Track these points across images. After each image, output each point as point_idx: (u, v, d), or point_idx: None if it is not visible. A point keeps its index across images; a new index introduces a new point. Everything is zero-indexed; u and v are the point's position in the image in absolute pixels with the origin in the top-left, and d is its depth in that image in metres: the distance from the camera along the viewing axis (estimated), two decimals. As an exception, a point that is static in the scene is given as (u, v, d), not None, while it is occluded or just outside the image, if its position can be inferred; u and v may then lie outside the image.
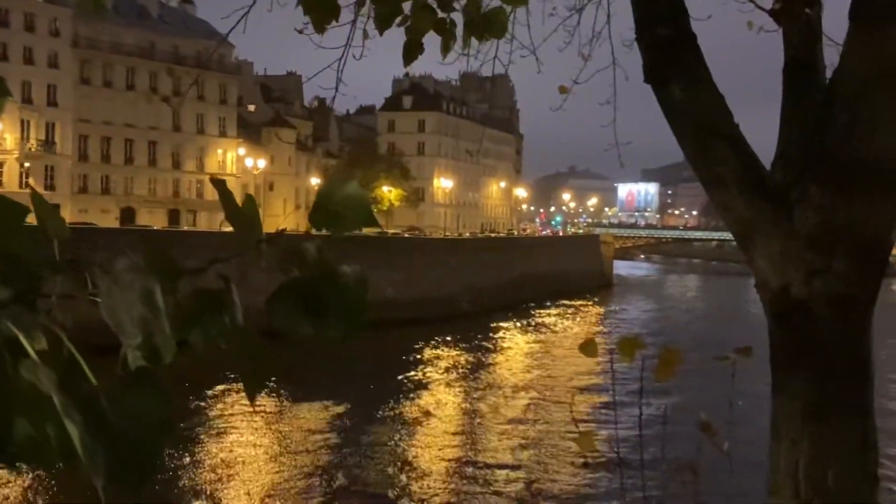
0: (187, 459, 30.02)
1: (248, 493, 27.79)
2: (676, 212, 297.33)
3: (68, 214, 73.60)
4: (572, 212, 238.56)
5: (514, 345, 63.71)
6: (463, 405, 42.30)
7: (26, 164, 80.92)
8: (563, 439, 32.44)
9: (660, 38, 3.60)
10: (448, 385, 47.35)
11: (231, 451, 32.14)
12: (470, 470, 30.67)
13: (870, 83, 3.26)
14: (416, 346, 57.81)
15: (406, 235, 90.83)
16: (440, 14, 3.00)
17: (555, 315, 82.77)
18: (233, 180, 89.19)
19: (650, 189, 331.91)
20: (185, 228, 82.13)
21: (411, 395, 43.77)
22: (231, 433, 34.62)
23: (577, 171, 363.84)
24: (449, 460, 31.99)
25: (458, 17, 3.04)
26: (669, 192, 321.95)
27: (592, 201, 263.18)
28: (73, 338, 1.02)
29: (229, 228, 1.10)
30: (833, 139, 3.31)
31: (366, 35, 4.23)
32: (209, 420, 36.36)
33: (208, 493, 27.59)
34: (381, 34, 3.02)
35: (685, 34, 3.62)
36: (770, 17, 3.70)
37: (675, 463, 3.21)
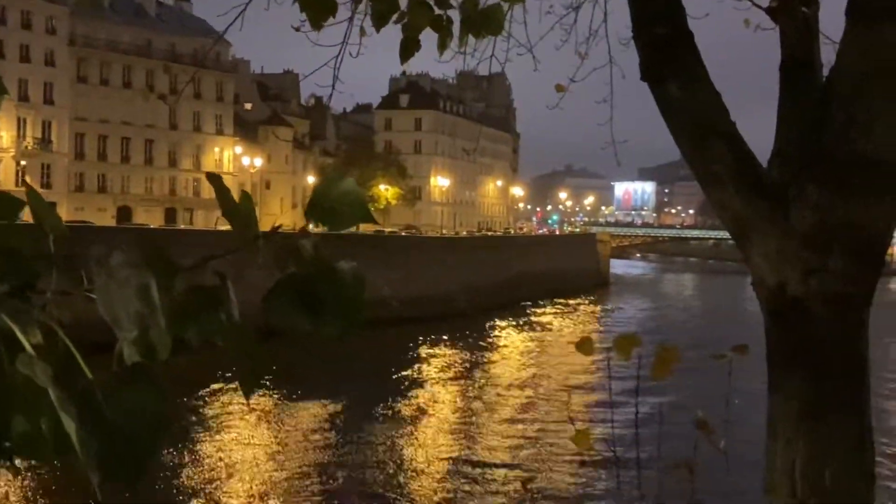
0: (184, 458, 29.99)
1: (246, 493, 27.77)
2: (673, 210, 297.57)
3: (65, 213, 73.52)
4: (569, 210, 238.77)
5: (511, 343, 63.73)
6: (460, 403, 42.32)
7: (22, 163, 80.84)
8: (559, 437, 32.44)
9: (656, 37, 3.60)
10: (445, 383, 47.36)
11: (228, 450, 32.13)
12: (466, 468, 30.68)
13: (866, 81, 3.26)
14: (413, 345, 57.82)
15: (403, 234, 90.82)
16: (437, 11, 3.00)
17: (551, 314, 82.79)
18: (229, 178, 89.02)
19: (647, 188, 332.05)
20: (182, 227, 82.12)
21: (408, 393, 43.77)
22: (228, 432, 34.61)
23: (573, 170, 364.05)
24: (445, 458, 31.99)
25: (455, 15, 3.04)
26: (666, 190, 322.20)
27: (589, 200, 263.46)
28: (71, 335, 1.01)
29: (225, 227, 1.09)
30: (830, 137, 3.31)
31: (363, 32, 4.23)
32: (207, 419, 36.34)
33: (206, 492, 27.58)
34: (377, 31, 3.02)
35: (682, 32, 3.62)
36: (767, 16, 3.71)
37: (671, 461, 3.21)
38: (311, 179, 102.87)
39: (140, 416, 0.98)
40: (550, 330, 71.74)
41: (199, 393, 38.96)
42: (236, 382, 1.14)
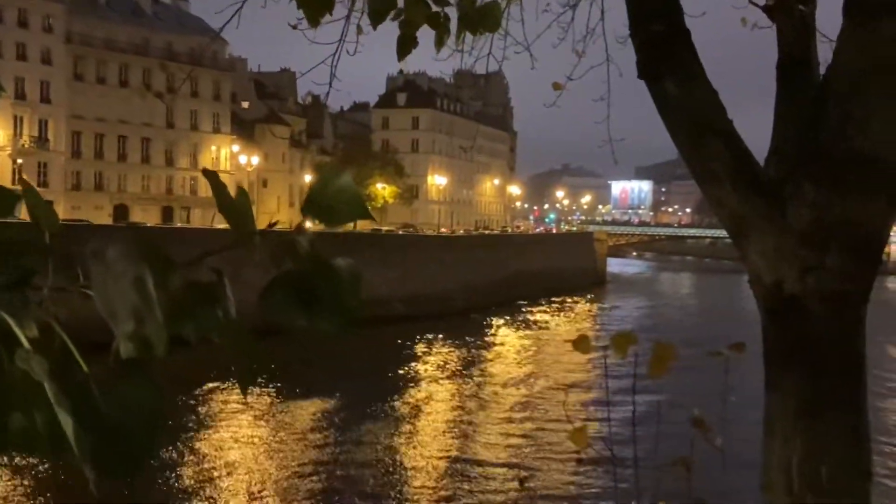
0: (181, 457, 29.99)
1: (243, 491, 27.77)
2: (670, 209, 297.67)
3: (61, 211, 73.43)
4: (566, 209, 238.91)
5: (508, 341, 63.73)
6: (457, 402, 42.31)
7: (19, 161, 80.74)
8: (556, 435, 32.47)
9: (654, 35, 3.60)
10: (442, 382, 47.36)
11: (225, 448, 32.11)
12: (464, 466, 30.68)
13: (863, 78, 3.26)
14: (411, 344, 57.83)
15: (400, 233, 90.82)
16: (434, 8, 3.00)
17: (548, 312, 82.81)
18: (226, 177, 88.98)
19: (644, 186, 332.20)
20: (179, 225, 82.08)
21: (405, 392, 43.78)
22: (225, 430, 34.60)
23: (570, 169, 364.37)
24: (443, 457, 32.00)
25: (452, 12, 3.04)
26: (663, 189, 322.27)
27: (586, 199, 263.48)
28: (68, 333, 1.01)
29: (222, 225, 1.09)
30: (827, 135, 3.31)
31: (360, 30, 4.23)
32: (204, 417, 36.33)
33: (204, 490, 27.56)
34: (374, 28, 3.02)
35: (679, 30, 3.62)
36: (764, 14, 3.71)
37: (669, 459, 3.21)
38: (307, 178, 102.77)
39: (137, 412, 0.98)
40: (547, 328, 71.74)
41: (196, 391, 38.96)
42: (233, 380, 1.15)
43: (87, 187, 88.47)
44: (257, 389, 39.43)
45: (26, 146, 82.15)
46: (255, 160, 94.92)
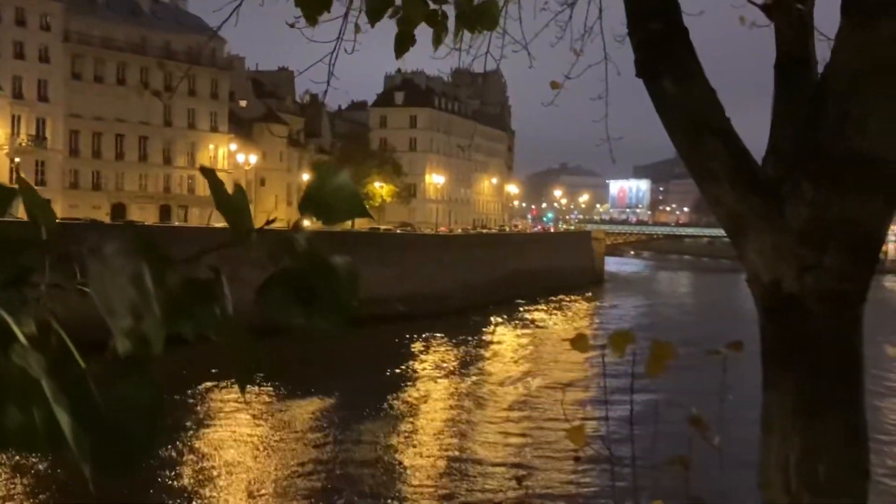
0: (180, 456, 29.99)
1: (242, 490, 27.77)
2: (668, 208, 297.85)
3: (59, 210, 73.36)
4: (564, 208, 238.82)
5: (506, 340, 63.78)
6: (455, 401, 42.33)
7: (17, 160, 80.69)
8: (554, 434, 32.48)
9: (652, 33, 3.60)
10: (440, 381, 47.39)
11: (224, 448, 32.12)
12: (461, 465, 30.70)
13: (862, 78, 3.26)
14: (409, 343, 57.85)
15: (398, 232, 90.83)
16: (432, 6, 3.00)
17: (546, 311, 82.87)
18: (224, 175, 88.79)
19: (641, 186, 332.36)
20: (177, 224, 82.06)
21: (403, 391, 43.80)
22: (223, 429, 34.60)
23: (568, 168, 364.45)
24: (441, 455, 32.02)
25: (450, 10, 3.04)
26: (661, 188, 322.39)
27: (584, 198, 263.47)
28: (66, 331, 1.01)
29: (220, 223, 1.09)
30: (825, 134, 3.31)
31: (357, 29, 4.23)
32: (201, 416, 36.32)
33: (202, 489, 27.56)
34: (372, 26, 3.02)
35: (677, 29, 3.61)
36: (762, 13, 3.71)
37: (666, 457, 3.21)
38: (305, 177, 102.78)
39: (135, 410, 0.98)
40: (545, 327, 71.79)
41: (195, 390, 38.97)
42: (231, 379, 1.15)
43: (84, 186, 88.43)
44: (256, 388, 39.43)
45: (24, 145, 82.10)
46: (253, 159, 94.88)
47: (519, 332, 68.31)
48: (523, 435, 34.77)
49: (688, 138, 3.61)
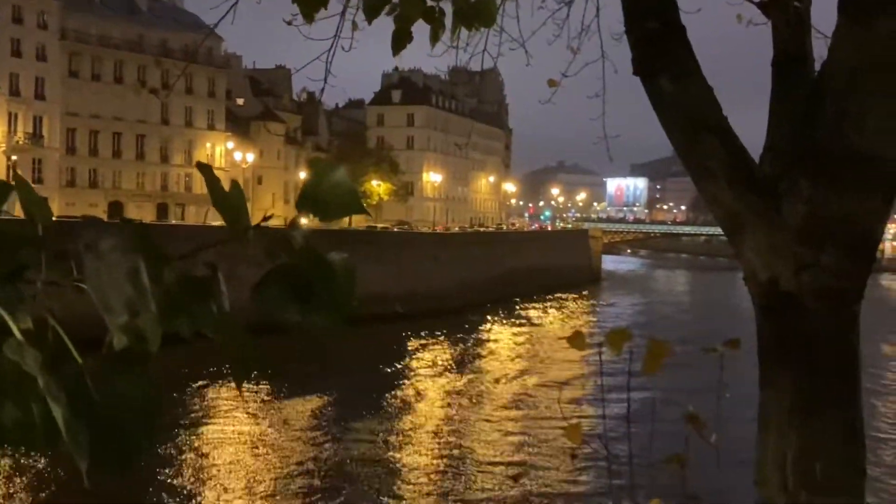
0: (176, 453, 29.97)
1: (239, 488, 27.75)
2: (665, 207, 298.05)
3: (56, 208, 72.82)
4: (561, 206, 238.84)
5: (503, 339, 63.79)
6: (452, 399, 42.33)
7: (13, 157, 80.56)
8: (551, 432, 32.50)
9: (649, 31, 3.59)
10: (437, 379, 47.39)
11: (220, 445, 32.10)
12: (458, 463, 30.71)
13: (859, 75, 3.26)
14: (406, 341, 57.83)
15: (395, 230, 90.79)
16: (429, 2, 3.00)
17: (543, 309, 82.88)
18: (221, 174, 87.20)
19: (639, 184, 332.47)
20: (174, 222, 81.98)
21: (400, 389, 43.80)
22: (221, 428, 34.58)
23: (565, 166, 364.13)
24: (437, 453, 32.03)
25: (447, 7, 3.03)
26: (658, 186, 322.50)
27: (581, 196, 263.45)
28: (62, 328, 1.01)
29: (216, 222, 1.09)
30: (822, 132, 3.30)
31: (355, 26, 4.23)
32: (198, 414, 36.30)
33: (199, 488, 27.55)
34: (369, 23, 3.01)
35: (674, 27, 3.61)
36: (759, 11, 3.71)
37: (663, 455, 3.21)
38: (302, 175, 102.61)
39: (131, 405, 0.98)
40: (542, 325, 71.83)
41: (192, 387, 38.95)
42: (228, 378, 1.14)
43: (81, 184, 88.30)
44: (253, 386, 39.41)
45: (21, 143, 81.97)
46: (250, 157, 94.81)
47: (516, 330, 68.32)
48: (520, 433, 34.77)
49: (685, 136, 3.61)
